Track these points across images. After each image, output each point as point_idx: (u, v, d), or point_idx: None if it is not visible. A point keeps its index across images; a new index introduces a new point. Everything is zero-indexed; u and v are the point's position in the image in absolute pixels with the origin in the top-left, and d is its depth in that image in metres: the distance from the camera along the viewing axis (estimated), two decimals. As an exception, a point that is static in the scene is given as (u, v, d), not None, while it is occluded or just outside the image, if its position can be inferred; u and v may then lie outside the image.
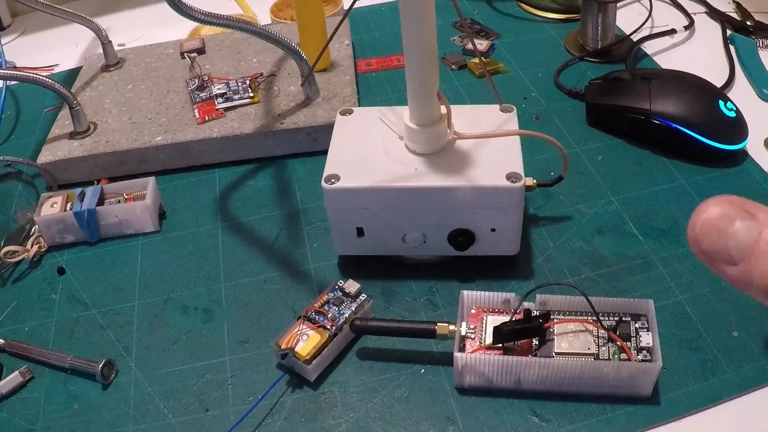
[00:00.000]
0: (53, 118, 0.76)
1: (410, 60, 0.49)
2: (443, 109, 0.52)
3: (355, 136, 0.56)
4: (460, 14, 0.52)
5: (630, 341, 0.47)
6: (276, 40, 0.64)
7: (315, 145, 0.68)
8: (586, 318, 0.48)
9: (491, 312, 0.49)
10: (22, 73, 0.69)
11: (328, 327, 0.50)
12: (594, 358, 0.46)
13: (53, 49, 0.94)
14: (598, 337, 0.47)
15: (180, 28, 0.89)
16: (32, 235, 0.64)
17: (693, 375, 0.48)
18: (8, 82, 0.83)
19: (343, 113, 0.58)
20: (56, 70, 0.89)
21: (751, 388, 0.47)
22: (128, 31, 0.93)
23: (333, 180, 0.52)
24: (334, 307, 0.51)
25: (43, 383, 0.53)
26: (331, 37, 0.55)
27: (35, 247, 0.63)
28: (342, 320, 0.51)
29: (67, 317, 0.58)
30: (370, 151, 0.54)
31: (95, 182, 0.66)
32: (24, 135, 0.79)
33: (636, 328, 0.48)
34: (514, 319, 0.47)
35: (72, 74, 0.84)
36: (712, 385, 0.47)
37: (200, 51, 0.79)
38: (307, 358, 0.49)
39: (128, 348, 0.55)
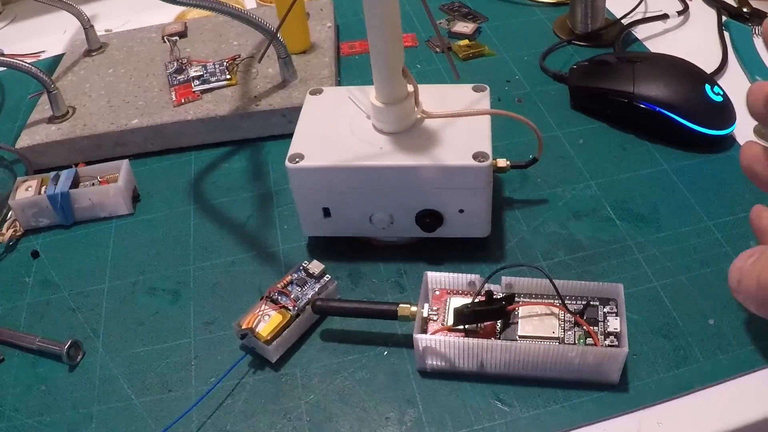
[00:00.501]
0: (35, 104, 0.77)
1: (373, 35, 0.48)
2: (410, 87, 0.51)
3: (323, 115, 0.55)
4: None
5: (597, 326, 0.46)
6: (255, 24, 0.64)
7: (290, 127, 0.66)
8: (552, 301, 0.47)
9: (455, 294, 0.49)
10: (1, 58, 0.69)
11: (290, 308, 0.50)
12: (559, 342, 0.45)
13: (42, 36, 0.95)
14: (563, 321, 0.46)
15: (166, 14, 0.89)
16: (8, 219, 0.64)
17: (664, 363, 0.47)
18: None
19: (312, 92, 0.58)
20: (42, 56, 0.90)
21: (725, 378, 0.46)
22: (116, 17, 0.93)
23: (297, 159, 0.51)
24: (297, 288, 0.51)
25: (12, 365, 0.53)
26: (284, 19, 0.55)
27: (10, 231, 0.63)
28: (305, 301, 0.50)
29: (39, 300, 0.58)
30: (337, 130, 0.54)
31: (72, 166, 0.66)
32: (7, 121, 0.79)
33: (604, 312, 0.47)
34: (476, 300, 0.46)
35: (57, 60, 0.84)
36: (684, 373, 0.46)
37: (182, 34, 0.79)
38: (268, 338, 0.48)
39: (96, 330, 0.55)
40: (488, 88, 0.56)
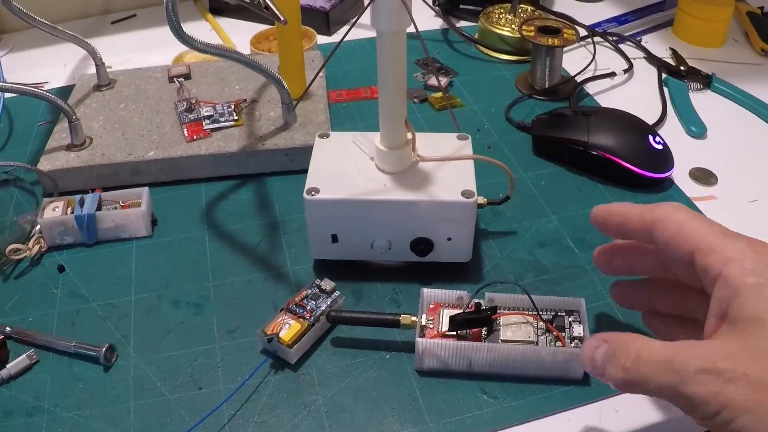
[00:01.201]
0: (46, 131, 0.85)
1: (384, 92, 0.59)
2: (409, 135, 0.63)
3: (331, 156, 0.66)
4: (427, 53, 0.63)
5: (564, 332, 0.58)
6: (267, 73, 0.74)
7: (292, 164, 0.78)
8: (527, 312, 0.59)
9: (447, 306, 0.60)
10: (28, 87, 0.77)
11: (307, 317, 0.60)
12: (534, 345, 0.57)
13: (42, 67, 1.03)
14: (537, 328, 0.58)
15: (165, 54, 0.99)
16: (33, 236, 0.72)
17: (616, 363, 0.59)
18: (5, 95, 0.91)
19: (321, 136, 0.68)
20: (46, 87, 0.98)
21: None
22: (116, 54, 1.01)
23: (313, 192, 0.62)
24: (312, 301, 0.61)
25: (49, 366, 0.61)
26: (325, 62, 0.65)
27: (36, 247, 0.71)
28: (319, 312, 0.60)
29: (69, 309, 0.65)
30: (345, 168, 0.64)
31: (90, 191, 0.75)
32: (17, 146, 0.86)
33: (570, 321, 0.58)
34: (466, 310, 0.57)
35: (62, 92, 0.92)
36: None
37: (187, 76, 0.88)
38: (289, 343, 0.58)
39: (126, 336, 0.63)
40: (470, 137, 0.68)
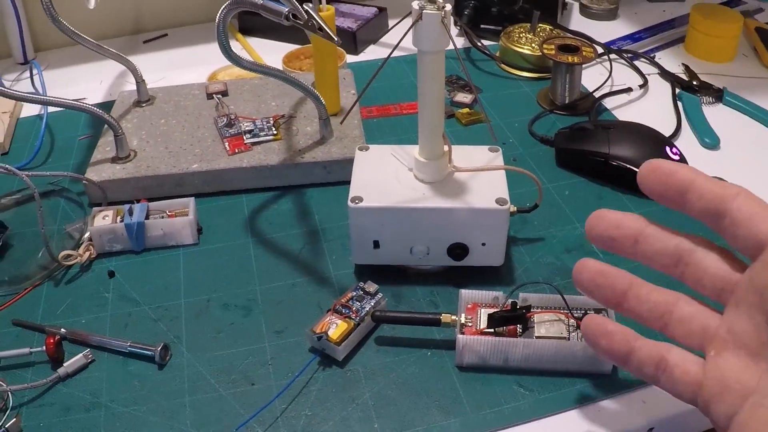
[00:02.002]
0: (87, 145, 0.91)
1: (423, 107, 0.65)
2: (446, 147, 0.68)
3: (372, 167, 0.71)
4: (465, 69, 0.68)
5: (593, 330, 0.63)
6: (308, 90, 0.80)
7: (329, 177, 0.83)
8: (559, 310, 0.64)
9: (483, 306, 0.65)
10: (76, 102, 0.83)
11: (353, 317, 0.65)
12: (566, 341, 0.62)
13: (78, 83, 1.09)
14: (569, 325, 0.63)
15: (199, 72, 1.05)
16: (82, 243, 0.78)
17: (642, 358, 0.64)
18: (49, 109, 0.97)
19: (360, 149, 0.74)
20: (84, 102, 1.03)
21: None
22: (152, 71, 1.06)
23: (357, 200, 0.67)
24: (357, 303, 0.66)
25: (104, 365, 0.65)
26: (371, 80, 0.70)
27: (87, 253, 0.76)
28: (364, 312, 0.66)
29: (121, 312, 0.70)
30: (386, 178, 0.70)
31: (135, 201, 0.80)
32: (60, 159, 0.92)
33: (598, 319, 0.64)
34: (503, 309, 0.63)
35: (101, 107, 0.96)
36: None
37: (224, 93, 0.94)
38: (337, 341, 0.63)
39: (179, 336, 0.68)
40: (500, 149, 0.73)
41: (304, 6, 0.67)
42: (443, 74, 0.64)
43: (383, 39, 1.14)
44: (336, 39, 0.67)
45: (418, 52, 0.62)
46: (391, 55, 0.62)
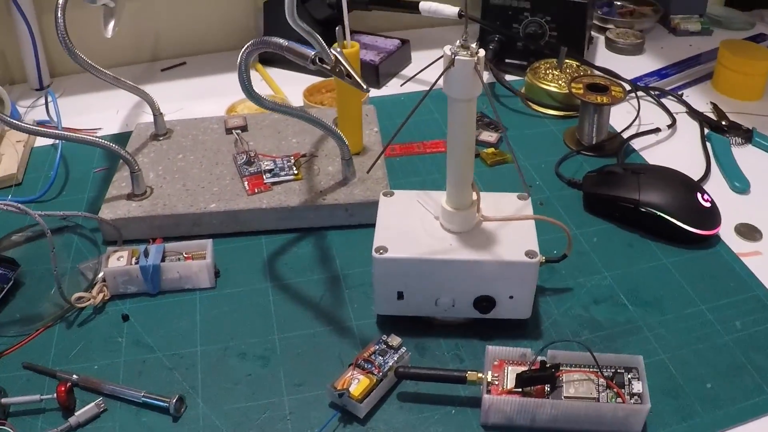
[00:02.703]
0: (102, 178, 0.91)
1: (452, 155, 0.63)
2: (474, 196, 0.67)
3: (397, 214, 0.70)
4: (497, 115, 0.67)
5: (624, 388, 0.61)
6: (330, 130, 0.79)
7: (351, 219, 0.82)
8: (588, 369, 0.62)
9: (511, 363, 0.63)
10: (92, 137, 0.82)
11: (375, 373, 0.64)
12: (596, 401, 0.60)
13: (94, 112, 1.08)
14: (598, 385, 0.61)
15: (217, 104, 1.04)
16: (95, 283, 0.76)
17: (673, 417, 0.62)
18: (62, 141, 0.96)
19: (385, 194, 0.72)
20: (99, 133, 1.03)
21: (721, 429, 0.62)
22: (169, 102, 1.06)
23: (382, 251, 0.66)
24: (380, 357, 0.65)
25: (117, 415, 0.64)
26: (396, 132, 0.70)
27: (100, 295, 0.75)
28: (387, 367, 0.64)
29: (135, 358, 0.69)
30: (411, 227, 0.68)
31: (150, 240, 0.79)
32: (76, 192, 0.92)
33: (629, 378, 0.62)
34: (531, 368, 0.61)
35: (116, 138, 0.97)
36: (690, 425, 0.62)
37: (243, 128, 0.93)
38: (359, 397, 0.62)
39: (194, 387, 0.67)
40: (529, 196, 0.72)
41: (331, 50, 0.66)
42: (474, 122, 0.62)
43: (405, 72, 1.13)
44: (365, 87, 0.66)
45: (449, 99, 0.61)
46: (415, 89, 0.61)
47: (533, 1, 1.10)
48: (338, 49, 0.69)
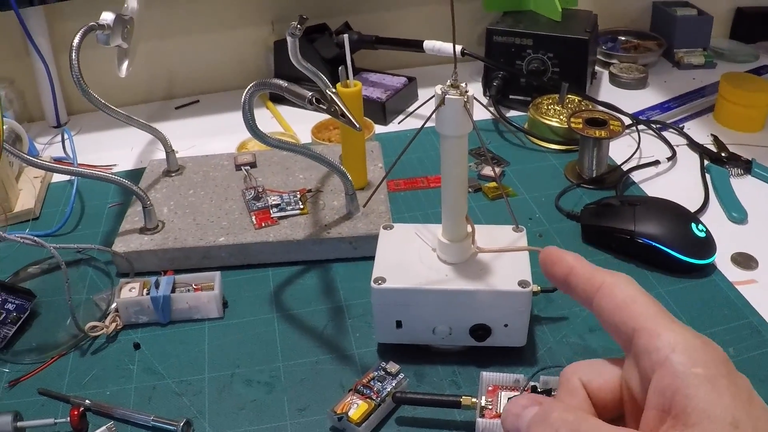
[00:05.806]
0: (116, 213, 0.96)
1: (446, 190, 0.68)
2: (469, 229, 0.71)
3: (396, 246, 0.74)
4: (483, 143, 0.71)
5: (614, 416, 0.65)
6: (335, 167, 0.84)
7: (355, 252, 0.86)
8: (579, 396, 0.66)
9: (504, 389, 0.67)
10: (107, 174, 0.88)
11: (374, 398, 0.67)
12: (585, 427, 0.64)
13: (109, 149, 1.14)
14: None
15: (228, 141, 1.09)
16: (108, 313, 0.81)
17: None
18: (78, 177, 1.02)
19: (385, 227, 0.77)
20: (114, 170, 1.08)
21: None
22: (181, 139, 1.12)
23: (380, 281, 0.70)
24: (378, 383, 0.69)
25: None
26: (393, 164, 0.74)
27: (113, 325, 0.80)
28: (385, 393, 0.68)
29: (145, 384, 0.73)
30: (409, 259, 0.72)
31: (162, 272, 0.84)
32: (89, 226, 0.97)
33: (619, 406, 0.65)
34: (523, 393, 0.65)
35: (131, 174, 1.02)
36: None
37: (252, 165, 0.98)
38: (358, 421, 0.66)
39: (202, 412, 0.71)
40: (524, 229, 0.76)
41: (327, 91, 0.71)
42: (466, 157, 0.67)
43: (412, 108, 1.18)
44: (357, 126, 0.71)
45: (441, 136, 0.65)
46: (418, 126, 0.65)
47: (535, 39, 1.15)
48: (333, 90, 0.74)
